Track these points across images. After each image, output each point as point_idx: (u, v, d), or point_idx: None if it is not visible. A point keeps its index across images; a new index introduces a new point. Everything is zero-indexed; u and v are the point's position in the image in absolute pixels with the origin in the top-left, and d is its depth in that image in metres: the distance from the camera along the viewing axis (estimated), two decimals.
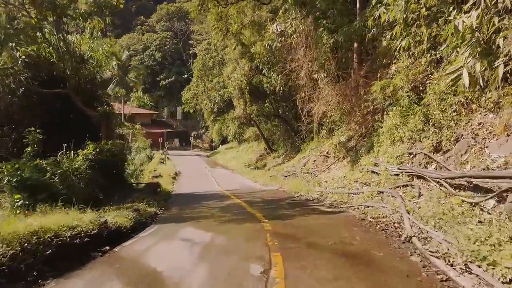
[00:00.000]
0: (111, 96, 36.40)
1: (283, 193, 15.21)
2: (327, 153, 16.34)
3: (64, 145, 12.13)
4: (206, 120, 43.62)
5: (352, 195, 10.23)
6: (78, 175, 11.09)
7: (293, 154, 25.27)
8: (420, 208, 6.98)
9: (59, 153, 11.87)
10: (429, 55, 9.50)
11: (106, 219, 7.39)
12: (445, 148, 7.84)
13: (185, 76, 58.38)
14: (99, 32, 15.70)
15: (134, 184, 16.28)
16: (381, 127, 11.02)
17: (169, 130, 57.17)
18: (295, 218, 8.90)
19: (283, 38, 17.81)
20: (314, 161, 17.49)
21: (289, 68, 17.97)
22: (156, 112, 61.61)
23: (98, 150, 12.26)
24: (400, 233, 6.53)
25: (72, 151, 11.98)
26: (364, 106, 12.47)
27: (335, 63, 16.02)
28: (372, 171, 10.62)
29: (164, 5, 67.64)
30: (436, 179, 7.36)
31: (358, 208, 8.92)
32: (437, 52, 9.23)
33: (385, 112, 11.17)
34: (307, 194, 13.02)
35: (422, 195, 7.58)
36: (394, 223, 7.13)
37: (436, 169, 7.88)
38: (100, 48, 17.34)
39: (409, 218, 6.60)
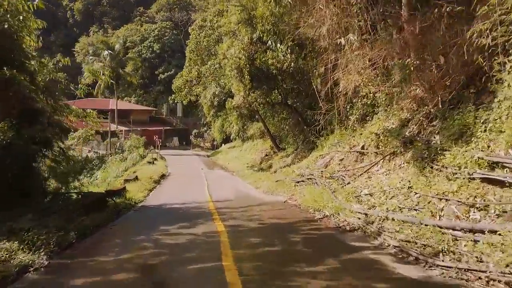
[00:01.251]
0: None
1: (294, 210, 9.71)
2: (363, 148, 10.75)
3: None
4: (206, 115, 38.33)
5: (453, 232, 4.63)
6: None
7: (306, 152, 19.72)
8: None
9: None
10: None
11: None
12: None
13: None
14: None
15: (71, 194, 10.83)
16: (502, 87, 5.42)
17: (167, 128, 52.00)
18: None
19: None
20: (341, 160, 11.92)
21: (304, 26, 12.41)
22: (155, 109, 56.54)
23: None
24: None
25: None
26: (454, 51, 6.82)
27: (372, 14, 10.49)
28: (485, 178, 5.05)
29: None
30: None
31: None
32: None
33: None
34: (338, 216, 7.52)
35: None
36: None
37: None
38: None
39: None
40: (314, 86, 16.56)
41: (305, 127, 20.94)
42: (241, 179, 21.81)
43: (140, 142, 40.26)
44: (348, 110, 13.45)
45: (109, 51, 42.48)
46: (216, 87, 31.20)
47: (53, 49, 69.93)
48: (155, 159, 32.44)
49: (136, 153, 38.46)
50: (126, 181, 17.68)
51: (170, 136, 52.37)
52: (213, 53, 30.73)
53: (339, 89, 12.28)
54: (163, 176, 23.09)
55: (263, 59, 18.68)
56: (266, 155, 28.17)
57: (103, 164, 31.29)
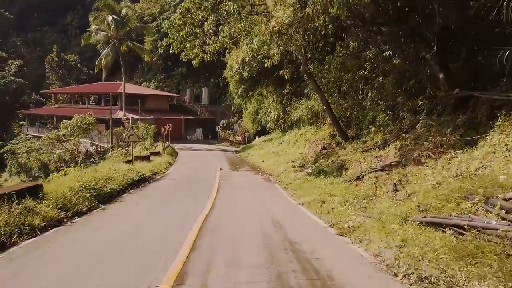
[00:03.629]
0: None
1: None
2: None
3: None
4: (233, 94, 27.86)
5: None
6: None
7: (455, 147, 8.75)
8: None
9: None
10: None
11: None
12: None
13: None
14: None
15: None
16: None
17: (189, 117, 42.36)
18: None
19: None
20: None
21: None
22: (176, 95, 47.11)
23: None
24: None
25: None
26: None
27: None
28: None
29: None
30: None
31: None
32: None
33: None
34: None
35: None
36: None
37: None
38: None
39: None
40: None
41: (428, 86, 9.90)
42: (283, 190, 11.55)
43: (148, 132, 30.76)
44: None
45: (113, 16, 33.04)
46: (248, 46, 20.51)
47: (69, 31, 62.86)
48: (158, 153, 22.55)
49: (141, 145, 29.13)
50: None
51: (193, 127, 42.63)
52: None
53: None
54: (146, 180, 13.02)
55: None
56: (324, 148, 17.29)
57: (102, 161, 22.04)
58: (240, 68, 24.57)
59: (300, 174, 14.43)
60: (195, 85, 48.49)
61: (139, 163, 16.50)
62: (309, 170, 14.04)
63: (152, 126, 31.34)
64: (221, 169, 18.36)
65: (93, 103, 44.75)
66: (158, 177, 14.83)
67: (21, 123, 43.74)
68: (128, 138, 14.39)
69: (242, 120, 42.42)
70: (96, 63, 34.07)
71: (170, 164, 20.06)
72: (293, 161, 17.42)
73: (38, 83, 51.90)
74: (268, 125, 31.35)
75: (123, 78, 36.11)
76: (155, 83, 50.04)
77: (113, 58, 34.84)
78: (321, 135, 18.61)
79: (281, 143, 25.24)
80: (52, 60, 49.84)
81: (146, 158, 18.78)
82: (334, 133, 17.92)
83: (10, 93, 48.76)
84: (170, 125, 32.06)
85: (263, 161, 21.23)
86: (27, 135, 39.28)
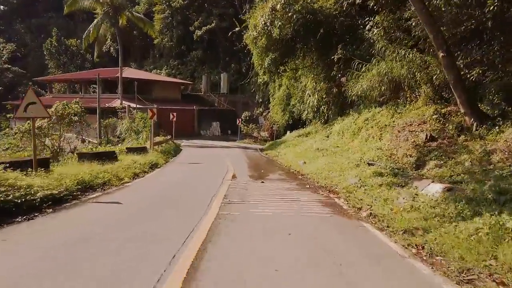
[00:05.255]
0: None
1: None
2: None
3: None
4: (256, 68, 19.60)
5: None
6: None
7: None
8: None
9: None
10: None
11: None
12: None
13: (237, 28, 31.32)
14: None
15: None
16: None
17: (203, 107, 34.53)
18: None
19: None
20: None
21: None
22: (189, 83, 39.44)
23: None
24: None
25: None
26: None
27: None
28: None
29: None
30: None
31: None
32: None
33: None
34: None
35: None
36: None
37: None
38: None
39: None
40: None
41: None
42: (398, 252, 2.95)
43: (146, 123, 23.29)
44: None
45: None
46: None
47: (76, 17, 56.80)
48: (144, 149, 14.87)
49: (133, 139, 22.13)
50: None
51: (208, 121, 34.76)
52: None
53: None
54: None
55: None
56: (432, 137, 8.82)
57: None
58: (268, 23, 16.37)
59: (403, 192, 6.24)
60: (212, 72, 40.71)
61: (76, 167, 8.68)
62: (438, 187, 5.71)
63: (150, 117, 23.67)
64: (234, 176, 10.27)
65: (94, 93, 37.95)
66: (92, 196, 6.89)
67: (8, 115, 37.42)
68: (25, 111, 6.70)
69: (268, 112, 34.14)
70: (84, 37, 26.89)
71: (152, 167, 12.17)
72: (369, 163, 9.12)
73: (40, 73, 45.92)
74: (305, 114, 23.03)
75: (119, 60, 28.81)
76: (166, 70, 42.65)
77: (111, 35, 27.69)
78: (416, 117, 10.14)
79: (327, 136, 16.88)
80: (51, 46, 43.47)
81: (110, 157, 10.96)
82: (445, 111, 9.50)
83: (4, 83, 42.98)
84: (175, 114, 24.36)
85: (304, 162, 12.94)
86: (12, 129, 33.16)
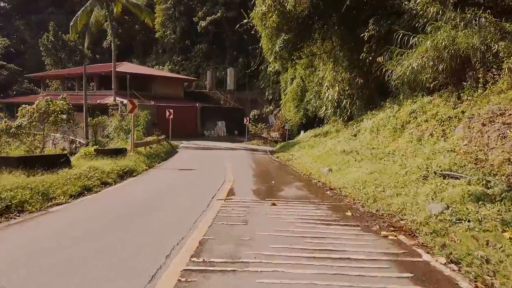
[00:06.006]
0: None
1: None
2: None
3: None
4: (266, 54, 16.16)
5: None
6: None
7: None
8: None
9: None
10: None
11: None
12: None
13: (245, 20, 27.48)
14: None
15: None
16: None
17: (207, 105, 31.26)
18: None
19: None
20: None
21: None
22: (193, 79, 36.25)
23: None
24: None
25: None
26: None
27: None
28: None
29: None
30: None
31: None
32: None
33: None
34: None
35: None
36: None
37: None
38: None
39: None
40: None
41: None
42: None
43: (139, 121, 20.12)
44: None
45: None
46: None
47: (77, 10, 54.31)
48: (122, 151, 11.64)
49: (122, 139, 19.29)
50: None
51: (213, 120, 31.46)
52: None
53: None
54: None
55: None
56: None
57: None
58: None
59: None
60: (218, 67, 37.48)
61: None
62: None
63: (144, 113, 20.50)
64: (230, 192, 6.94)
65: (91, 90, 35.05)
66: None
67: None
68: None
69: (279, 110, 30.75)
70: (71, 25, 23.89)
71: (124, 175, 8.92)
72: (444, 174, 5.66)
73: (37, 70, 43.35)
74: (322, 110, 19.52)
75: (112, 50, 25.79)
76: (169, 66, 39.57)
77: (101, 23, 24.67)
78: (508, 104, 6.66)
79: (354, 135, 13.37)
80: (48, 41, 40.79)
81: (53, 162, 7.67)
82: None
83: None
84: (171, 110, 21.15)
85: (330, 169, 9.52)
86: None
